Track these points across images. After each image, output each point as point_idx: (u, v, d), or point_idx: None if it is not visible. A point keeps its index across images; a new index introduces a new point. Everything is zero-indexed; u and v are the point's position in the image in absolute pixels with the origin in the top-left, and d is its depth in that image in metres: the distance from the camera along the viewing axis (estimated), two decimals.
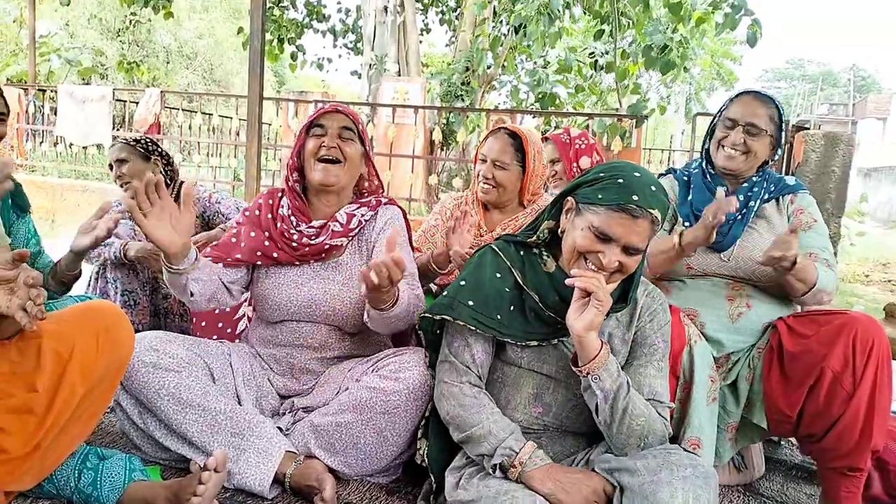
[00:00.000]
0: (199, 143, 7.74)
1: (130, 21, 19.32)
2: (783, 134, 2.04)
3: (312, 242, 1.94)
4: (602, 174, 1.51)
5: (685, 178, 2.15)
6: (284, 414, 1.92)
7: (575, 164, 3.01)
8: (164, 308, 2.75)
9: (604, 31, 8.09)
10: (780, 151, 2.05)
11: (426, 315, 1.65)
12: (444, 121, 8.53)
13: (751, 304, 1.99)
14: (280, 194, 2.07)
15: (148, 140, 2.78)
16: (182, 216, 1.70)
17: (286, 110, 7.63)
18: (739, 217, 2.00)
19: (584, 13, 8.56)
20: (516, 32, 8.20)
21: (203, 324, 2.32)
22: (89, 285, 2.64)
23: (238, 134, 7.71)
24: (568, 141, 3.06)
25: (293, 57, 11.94)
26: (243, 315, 2.41)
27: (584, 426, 1.63)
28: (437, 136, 6.60)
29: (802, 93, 41.53)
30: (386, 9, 10.09)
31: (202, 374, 1.85)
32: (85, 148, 7.85)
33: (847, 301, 6.29)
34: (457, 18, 11.89)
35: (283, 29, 11.76)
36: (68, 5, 11.26)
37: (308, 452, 1.80)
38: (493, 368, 1.66)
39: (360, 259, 2.01)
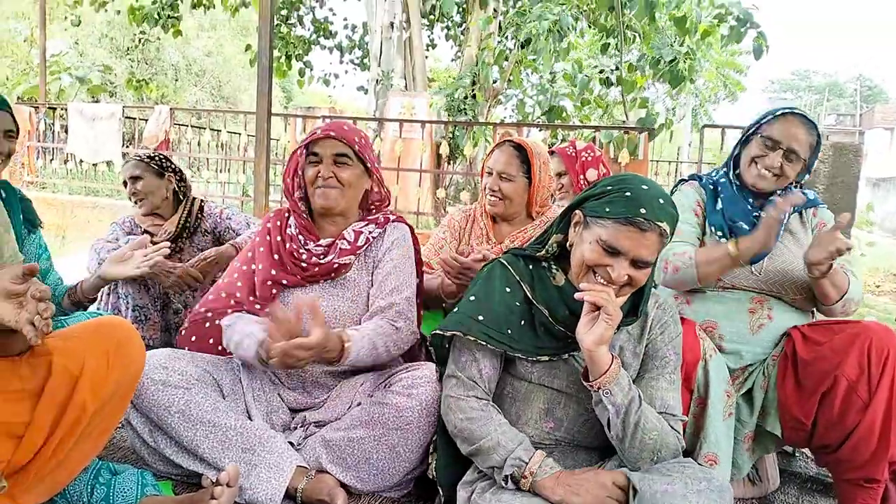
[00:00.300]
0: (207, 159, 7.80)
1: (139, 39, 19.56)
2: (814, 162, 2.00)
3: (321, 262, 1.96)
4: (609, 187, 1.50)
5: (711, 187, 2.11)
6: (296, 428, 1.92)
7: (582, 177, 3.01)
8: (175, 323, 2.75)
9: (609, 44, 8.12)
10: (806, 177, 2.02)
11: (437, 332, 1.64)
12: (451, 135, 8.56)
13: (772, 315, 1.97)
14: (287, 214, 2.09)
15: (161, 157, 2.80)
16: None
17: (294, 126, 7.67)
18: None
19: (590, 27, 8.60)
20: (523, 47, 8.24)
21: (193, 338, 2.30)
22: (101, 300, 2.65)
23: (246, 150, 7.76)
24: (574, 154, 3.06)
25: (301, 73, 12.03)
26: None
27: (595, 441, 1.62)
28: (444, 149, 6.62)
29: (809, 104, 41.48)
30: (392, 25, 10.17)
31: (212, 390, 1.85)
32: (95, 165, 7.91)
33: (858, 311, 6.24)
34: (462, 34, 11.96)
35: (291, 46, 11.85)
36: (79, 25, 11.40)
37: (319, 467, 1.79)
38: (503, 383, 1.65)
39: (367, 276, 2.02)
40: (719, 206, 2.05)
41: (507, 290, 1.63)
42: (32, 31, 17.33)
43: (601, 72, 9.05)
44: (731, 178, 2.08)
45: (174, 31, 10.18)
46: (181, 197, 2.84)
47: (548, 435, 1.63)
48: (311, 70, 12.12)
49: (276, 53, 10.85)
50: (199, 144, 8.00)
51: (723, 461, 1.83)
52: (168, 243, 2.21)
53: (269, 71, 4.32)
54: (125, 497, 1.55)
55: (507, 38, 10.13)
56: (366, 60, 12.14)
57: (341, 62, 12.91)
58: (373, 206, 2.12)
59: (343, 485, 1.78)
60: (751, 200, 2.03)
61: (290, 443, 1.84)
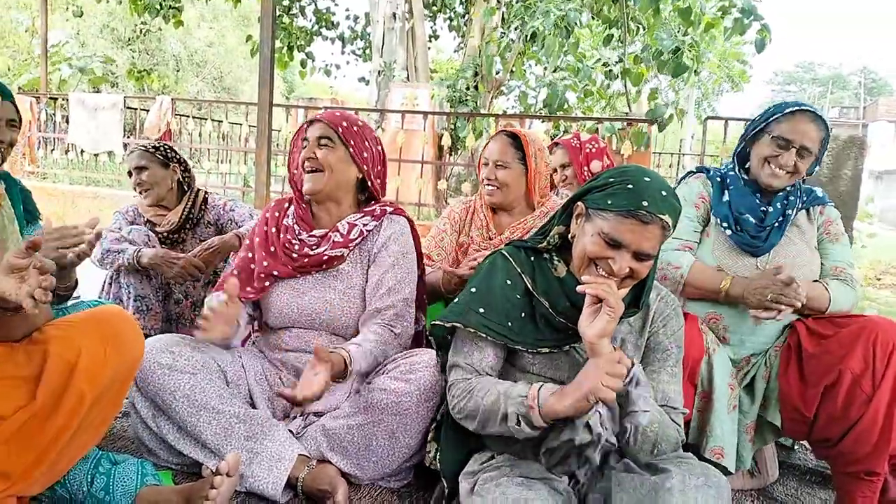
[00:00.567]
0: (209, 149, 7.78)
1: (141, 30, 19.50)
2: (823, 153, 2.01)
3: (312, 253, 1.96)
4: (612, 179, 1.49)
5: (718, 179, 2.11)
6: (295, 417, 1.92)
7: (585, 168, 3.00)
8: (176, 314, 2.76)
9: (612, 35, 8.08)
10: (816, 168, 2.02)
11: (437, 323, 1.64)
12: (453, 126, 8.54)
13: None
14: (287, 204, 2.10)
15: (167, 147, 2.80)
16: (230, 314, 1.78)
17: (295, 117, 7.67)
18: (777, 224, 1.99)
19: (593, 18, 8.55)
20: (528, 41, 8.20)
21: None
22: (102, 290, 2.65)
23: (248, 140, 7.75)
24: (578, 145, 3.06)
25: (303, 64, 11.99)
26: None
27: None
28: (446, 141, 6.60)
29: (812, 96, 41.34)
30: (395, 15, 10.13)
31: (216, 376, 1.86)
32: (96, 155, 7.91)
33: (859, 305, 6.23)
34: (465, 25, 11.91)
35: (293, 36, 11.81)
36: (81, 16, 11.37)
37: (320, 456, 1.80)
38: (504, 375, 1.65)
39: (361, 269, 2.01)
40: (726, 197, 2.05)
41: (508, 281, 1.62)
42: (33, 21, 17.30)
43: (605, 64, 9.02)
44: (738, 172, 2.08)
45: (175, 22, 10.15)
46: (185, 188, 2.84)
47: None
48: (313, 61, 12.08)
49: (277, 44, 10.82)
50: (200, 135, 7.98)
51: (729, 454, 1.83)
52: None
53: (271, 61, 4.31)
54: (125, 487, 1.55)
55: (509, 28, 10.08)
56: (368, 51, 12.09)
57: (343, 53, 12.85)
58: (370, 199, 2.11)
59: (344, 475, 1.79)
60: (759, 195, 2.04)
61: (290, 431, 1.85)
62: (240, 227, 2.77)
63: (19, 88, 11.38)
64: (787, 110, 1.97)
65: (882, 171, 21.34)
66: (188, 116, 7.91)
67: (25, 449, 1.35)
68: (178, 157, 2.81)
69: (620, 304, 1.40)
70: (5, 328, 1.35)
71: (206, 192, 2.90)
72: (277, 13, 9.64)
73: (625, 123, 6.47)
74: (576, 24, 7.18)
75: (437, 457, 1.73)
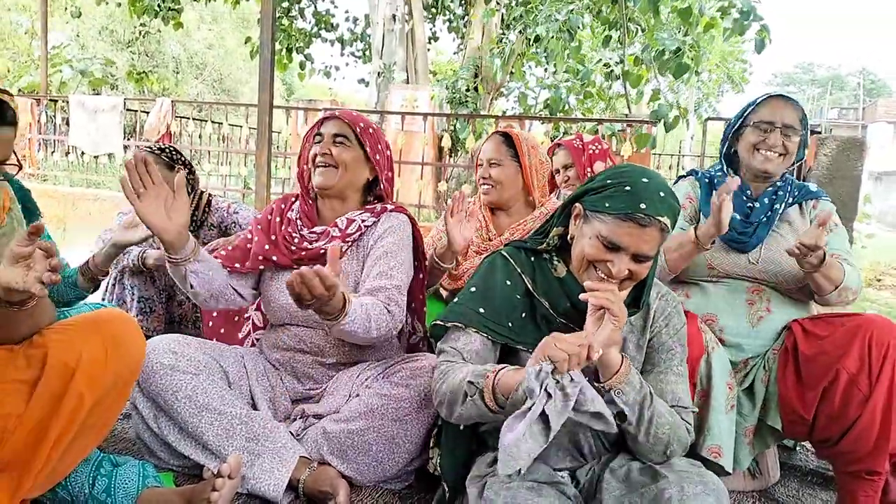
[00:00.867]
0: (209, 151, 7.78)
1: (140, 32, 19.52)
2: (807, 136, 2.05)
3: (310, 247, 1.96)
4: (609, 181, 1.47)
5: (706, 180, 2.15)
6: (295, 419, 1.92)
7: (588, 169, 3.00)
8: (179, 315, 2.76)
9: (611, 37, 8.09)
10: (805, 151, 2.06)
11: (438, 323, 1.62)
12: (453, 127, 8.54)
13: (771, 307, 1.98)
14: (294, 199, 2.10)
15: (172, 149, 2.79)
16: (177, 203, 1.70)
17: (295, 118, 7.67)
18: (765, 219, 2.00)
19: (594, 19, 8.56)
20: (531, 44, 8.22)
21: (210, 324, 2.34)
22: (106, 291, 2.65)
23: (248, 142, 7.75)
24: (581, 146, 3.06)
25: (301, 66, 12.00)
26: (249, 318, 2.42)
27: (599, 431, 1.61)
28: (446, 142, 6.60)
29: (812, 97, 41.36)
30: (394, 17, 10.14)
31: (218, 377, 1.86)
32: (96, 157, 7.91)
33: (860, 305, 6.24)
34: (465, 26, 11.92)
35: (292, 38, 11.82)
36: (79, 17, 11.38)
37: (320, 459, 1.80)
38: None
39: (358, 264, 2.00)
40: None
41: (508, 282, 1.61)
42: (33, 23, 17.30)
43: (606, 65, 9.02)
44: (726, 171, 2.11)
45: (175, 24, 10.16)
46: (189, 190, 2.84)
47: None
48: (312, 63, 12.09)
49: (276, 46, 10.83)
50: (200, 137, 7.99)
51: (726, 453, 1.83)
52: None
53: (271, 63, 4.31)
54: (126, 489, 1.55)
55: (508, 29, 10.10)
56: (367, 53, 12.10)
57: (342, 55, 12.88)
58: (374, 200, 2.11)
59: (345, 476, 1.78)
60: (748, 192, 2.06)
61: (291, 433, 1.85)
62: (244, 229, 2.77)
63: (20, 91, 11.39)
64: (761, 99, 2.05)
65: (881, 172, 21.35)
66: (188, 118, 7.91)
67: (26, 452, 1.35)
68: (183, 159, 2.81)
69: (624, 312, 1.37)
70: (11, 325, 1.35)
71: (210, 195, 2.90)
72: (277, 15, 9.64)
73: (625, 125, 6.47)
74: (578, 27, 7.19)
75: (439, 461, 1.72)
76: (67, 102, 7.88)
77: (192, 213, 2.78)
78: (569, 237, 1.58)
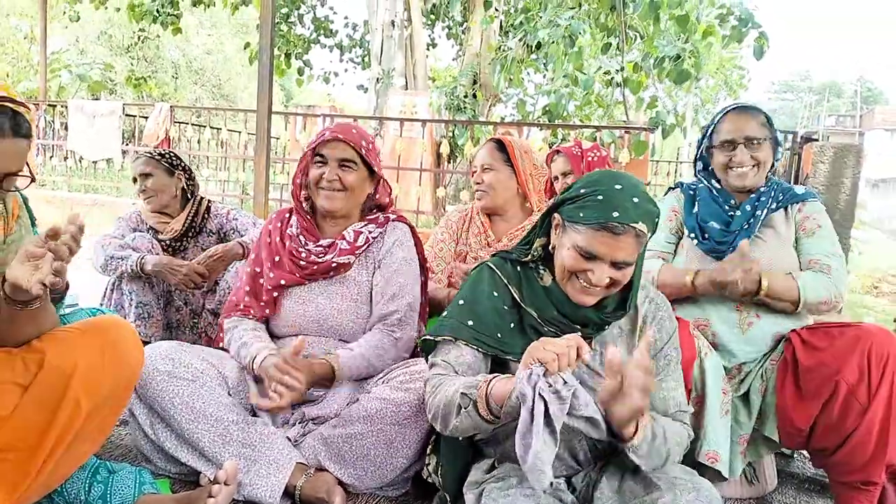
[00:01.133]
0: (207, 157, 7.79)
1: (139, 37, 19.56)
2: (777, 134, 2.04)
3: (320, 261, 1.97)
4: (583, 190, 1.47)
5: (691, 192, 2.16)
6: (294, 424, 1.92)
7: None
8: (176, 321, 2.76)
9: (610, 44, 8.11)
10: (781, 150, 2.06)
11: (428, 338, 1.62)
12: (451, 134, 8.55)
13: (759, 314, 1.98)
14: (288, 214, 2.10)
15: (172, 154, 2.80)
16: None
17: (294, 124, 7.68)
18: (746, 226, 2.00)
19: (587, 29, 8.59)
20: (532, 51, 8.23)
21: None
22: (104, 296, 2.65)
23: (246, 148, 7.76)
24: (580, 153, 3.06)
25: (300, 72, 12.02)
26: None
27: (592, 439, 1.61)
28: (445, 148, 6.61)
29: (809, 104, 41.50)
30: (393, 23, 10.17)
31: (216, 384, 1.86)
32: (95, 162, 7.91)
33: (856, 312, 6.24)
34: (463, 33, 11.96)
35: (291, 44, 11.85)
36: (77, 21, 11.40)
37: (318, 465, 1.80)
38: None
39: (368, 275, 2.03)
40: (695, 209, 2.10)
41: (496, 294, 1.61)
42: (32, 28, 17.32)
43: (606, 72, 9.04)
44: (708, 182, 2.13)
45: (174, 29, 10.18)
46: (189, 196, 2.84)
47: None
48: (311, 69, 12.12)
49: (275, 52, 10.85)
50: (199, 142, 8.00)
51: (723, 458, 1.83)
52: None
53: (270, 69, 4.31)
54: (122, 495, 1.55)
55: (507, 36, 10.12)
56: (366, 59, 12.14)
57: (342, 61, 12.92)
58: (374, 209, 2.13)
59: (342, 483, 1.78)
60: (732, 202, 2.07)
61: (288, 438, 1.85)
62: (242, 235, 2.77)
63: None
64: (718, 118, 2.07)
65: (878, 179, 21.43)
66: (187, 124, 7.91)
67: (22, 458, 1.34)
68: (183, 164, 2.82)
69: (645, 402, 1.29)
70: (14, 326, 1.36)
71: (209, 201, 2.90)
72: (276, 21, 9.66)
73: (623, 131, 6.48)
74: (580, 33, 7.21)
75: (438, 470, 1.71)
76: (66, 107, 7.89)
77: (192, 220, 2.78)
78: (550, 247, 1.58)
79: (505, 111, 12.99)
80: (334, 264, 1.97)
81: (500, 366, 1.60)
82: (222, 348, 2.06)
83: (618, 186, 1.43)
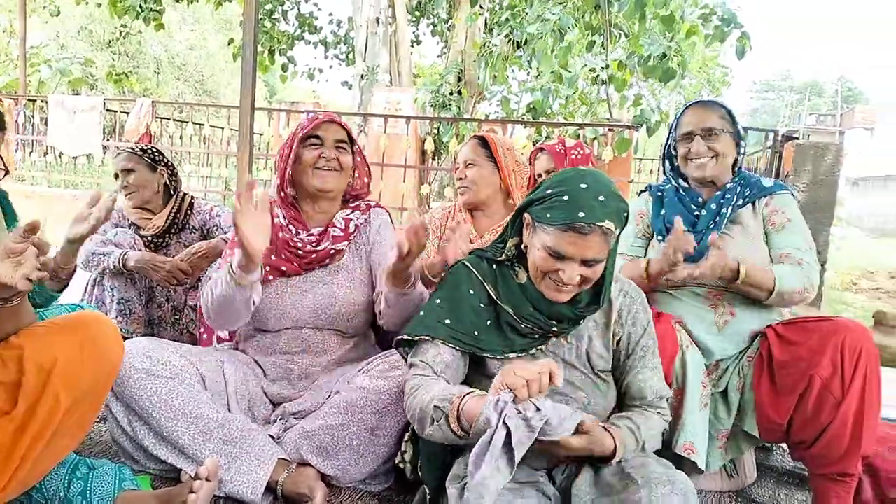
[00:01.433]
0: (189, 153, 7.72)
1: (121, 33, 19.31)
2: (739, 129, 2.06)
3: (317, 249, 1.98)
4: (550, 191, 1.48)
5: (659, 194, 2.18)
6: (276, 421, 1.92)
7: None
8: (158, 317, 2.74)
9: (595, 42, 8.14)
10: (743, 145, 2.08)
11: (404, 337, 1.61)
12: (436, 131, 8.55)
13: (734, 311, 1.99)
14: (269, 205, 2.07)
15: (155, 150, 2.78)
16: (265, 226, 1.72)
17: (277, 120, 7.64)
18: (712, 225, 2.01)
19: (575, 24, 8.62)
20: (518, 47, 8.23)
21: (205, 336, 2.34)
22: (85, 292, 2.62)
23: (229, 144, 7.71)
24: (563, 151, 3.06)
25: (284, 68, 11.96)
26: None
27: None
28: (429, 145, 6.60)
29: (790, 103, 41.91)
30: (377, 20, 10.15)
31: (195, 381, 1.84)
32: (75, 158, 7.81)
33: (835, 309, 6.33)
34: (448, 30, 11.95)
35: (274, 40, 11.78)
36: (58, 16, 11.26)
37: (300, 459, 1.80)
38: (474, 383, 1.62)
39: (360, 262, 2.05)
40: (662, 211, 2.12)
41: (472, 292, 1.62)
42: (11, 22, 17.07)
43: (591, 70, 9.07)
44: (676, 183, 2.14)
45: (156, 25, 10.08)
46: (171, 192, 2.81)
47: None
48: (295, 65, 12.06)
49: (259, 48, 10.78)
50: (181, 138, 7.93)
51: (700, 451, 1.85)
52: (114, 194, 2.04)
53: (253, 65, 4.28)
54: (102, 492, 1.54)
55: (491, 33, 10.12)
56: (351, 55, 12.10)
57: (326, 57, 12.87)
58: (350, 198, 2.15)
59: (325, 478, 1.78)
60: (699, 200, 2.08)
61: (270, 436, 1.84)
62: (226, 232, 2.75)
63: None
64: (681, 112, 2.11)
65: (858, 177, 21.68)
66: (169, 119, 7.85)
67: (0, 454, 1.33)
68: (165, 160, 2.79)
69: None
70: None
71: (192, 197, 2.88)
72: (259, 17, 9.59)
73: (606, 129, 6.51)
74: (569, 28, 7.23)
75: (417, 462, 1.72)
76: (46, 102, 7.79)
77: (174, 216, 2.76)
78: (523, 246, 1.59)
79: (490, 108, 13.02)
80: (332, 251, 1.99)
81: (478, 364, 1.62)
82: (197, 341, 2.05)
83: (583, 185, 1.44)
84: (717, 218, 2.02)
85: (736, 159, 2.07)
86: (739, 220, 2.04)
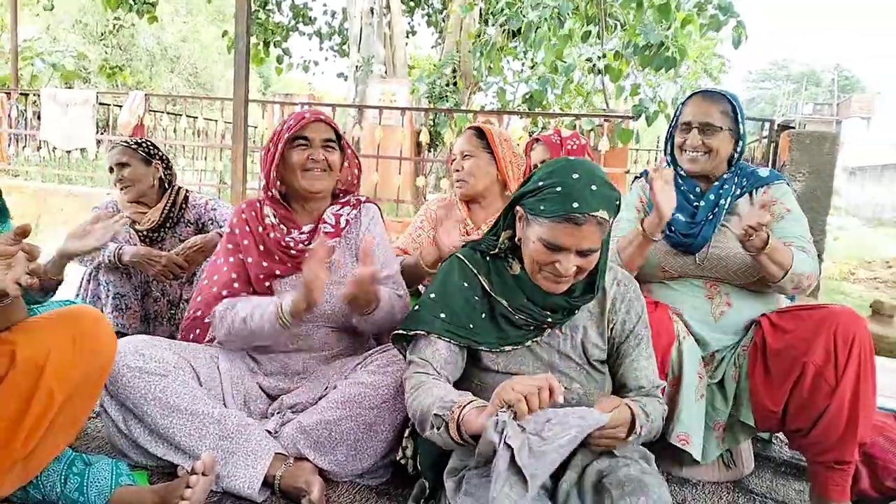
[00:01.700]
0: (183, 146, 7.69)
1: (114, 25, 19.19)
2: (741, 126, 2.03)
3: (309, 247, 1.95)
4: (542, 182, 1.48)
5: None
6: (273, 415, 1.91)
7: None
8: (154, 312, 2.72)
9: (590, 32, 8.11)
10: (742, 143, 2.05)
11: (400, 332, 1.61)
12: (431, 122, 8.52)
13: (731, 302, 2.00)
14: (259, 204, 2.06)
15: (149, 143, 2.75)
16: (326, 278, 1.74)
17: (272, 113, 7.60)
18: (710, 217, 2.00)
19: (570, 14, 8.59)
20: (514, 36, 8.19)
21: (198, 331, 2.31)
22: (80, 287, 2.61)
23: (224, 137, 7.68)
24: (559, 141, 3.06)
25: (279, 60, 11.90)
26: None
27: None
28: (425, 137, 6.58)
29: (787, 92, 41.90)
30: (372, 11, 10.09)
31: (189, 377, 1.83)
32: (68, 152, 7.77)
33: (833, 299, 6.34)
34: (443, 20, 11.91)
35: (269, 32, 11.71)
36: (52, 10, 11.17)
37: (297, 454, 1.79)
38: (471, 376, 1.64)
39: (351, 257, 2.04)
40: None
41: (466, 284, 1.62)
42: (3, 16, 16.95)
43: (588, 59, 9.04)
44: (675, 169, 2.11)
45: (149, 17, 10.00)
46: (166, 185, 2.79)
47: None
48: (290, 57, 12.00)
49: (253, 40, 10.72)
50: (175, 131, 7.89)
51: (695, 441, 1.86)
52: (125, 215, 2.05)
53: (247, 57, 4.27)
54: (99, 487, 1.54)
55: (487, 23, 10.09)
56: (345, 47, 12.05)
57: (321, 49, 12.80)
58: (339, 192, 2.14)
59: (322, 472, 1.78)
60: (697, 190, 2.06)
61: (268, 431, 1.84)
62: (221, 226, 2.73)
63: None
64: (685, 99, 2.08)
65: (855, 167, 21.70)
66: (162, 112, 7.81)
67: None
68: (160, 153, 2.77)
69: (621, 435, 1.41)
70: None
71: (187, 191, 2.86)
72: (253, 8, 9.55)
73: (602, 119, 6.50)
74: (567, 15, 7.21)
75: (416, 455, 1.72)
76: (39, 96, 7.74)
77: (169, 210, 2.74)
78: (516, 239, 1.59)
79: (485, 100, 12.98)
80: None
81: (474, 356, 1.62)
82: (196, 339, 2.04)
83: (575, 176, 1.44)
84: (716, 209, 2.01)
85: (732, 155, 2.05)
86: (736, 212, 2.03)
